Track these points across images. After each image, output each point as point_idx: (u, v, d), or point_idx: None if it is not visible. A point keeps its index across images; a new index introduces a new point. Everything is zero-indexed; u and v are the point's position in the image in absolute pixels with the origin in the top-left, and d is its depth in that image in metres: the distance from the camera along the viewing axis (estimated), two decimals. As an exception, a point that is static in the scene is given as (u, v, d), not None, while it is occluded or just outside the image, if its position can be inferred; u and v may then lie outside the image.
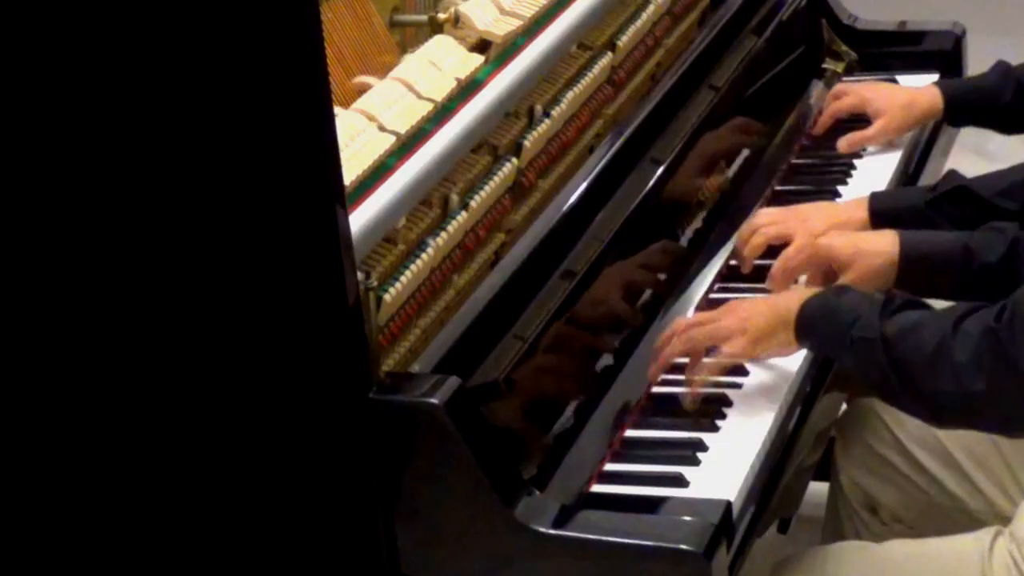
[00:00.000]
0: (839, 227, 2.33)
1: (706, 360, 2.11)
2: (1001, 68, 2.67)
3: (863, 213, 2.36)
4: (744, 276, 2.38)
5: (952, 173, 2.37)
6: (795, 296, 2.10)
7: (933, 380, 1.92)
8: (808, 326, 2.06)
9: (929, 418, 2.03)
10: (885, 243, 2.22)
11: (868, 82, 2.84)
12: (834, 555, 2.10)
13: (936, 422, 2.07)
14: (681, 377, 2.12)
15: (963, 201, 2.30)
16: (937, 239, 2.24)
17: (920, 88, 2.75)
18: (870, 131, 2.70)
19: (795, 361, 2.17)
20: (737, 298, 2.21)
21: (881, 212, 2.36)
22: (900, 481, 2.33)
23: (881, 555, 2.09)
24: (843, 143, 2.70)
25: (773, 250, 2.32)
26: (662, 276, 2.33)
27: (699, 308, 2.32)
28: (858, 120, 2.76)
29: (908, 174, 2.72)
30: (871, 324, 1.97)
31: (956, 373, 1.89)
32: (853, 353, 2.00)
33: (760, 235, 2.34)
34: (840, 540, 2.41)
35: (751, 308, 2.12)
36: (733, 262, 2.42)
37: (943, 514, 2.31)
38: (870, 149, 2.72)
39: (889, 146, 2.72)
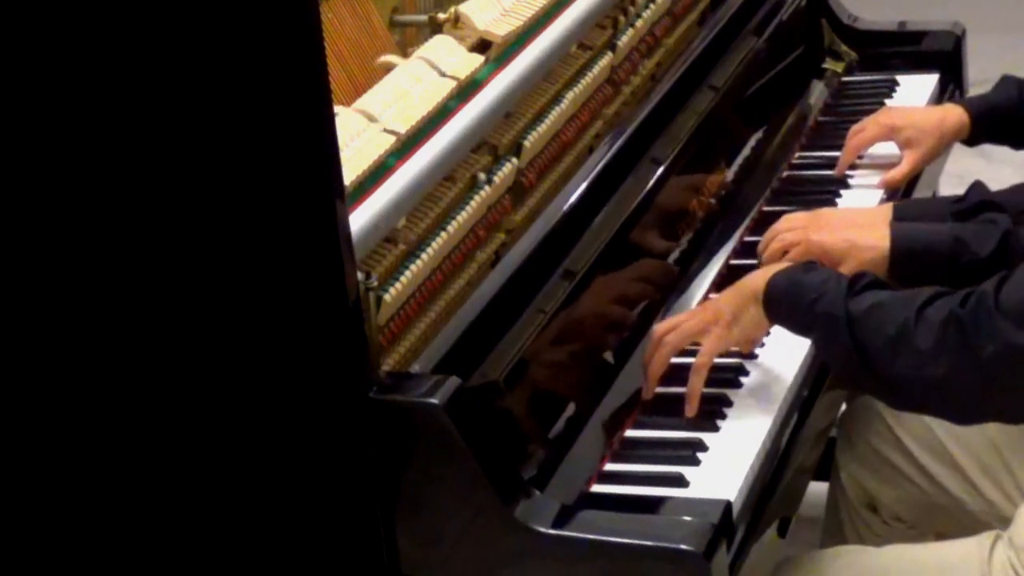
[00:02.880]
0: (862, 235, 2.28)
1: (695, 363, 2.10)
2: (1011, 81, 2.63)
3: (886, 223, 2.31)
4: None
5: (977, 184, 2.35)
6: (761, 273, 2.10)
7: (893, 364, 1.92)
8: (775, 301, 2.06)
9: (888, 400, 2.05)
10: (876, 237, 2.22)
11: (888, 109, 2.74)
12: (833, 559, 2.10)
13: (894, 404, 2.08)
14: (680, 389, 2.12)
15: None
16: (928, 232, 2.23)
17: (944, 108, 2.67)
18: (905, 167, 2.60)
19: (795, 361, 2.17)
20: None
21: (902, 239, 2.30)
22: (900, 480, 2.33)
23: (880, 560, 2.09)
24: (882, 186, 2.60)
25: None
26: (662, 276, 2.33)
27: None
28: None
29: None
30: (836, 301, 1.97)
31: (917, 358, 1.89)
32: (817, 330, 2.01)
33: (779, 240, 2.31)
34: (840, 539, 2.42)
35: (719, 298, 2.13)
36: (734, 262, 2.42)
37: (943, 514, 2.32)
38: (867, 153, 2.68)
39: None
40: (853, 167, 2.66)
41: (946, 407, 1.99)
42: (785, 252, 2.29)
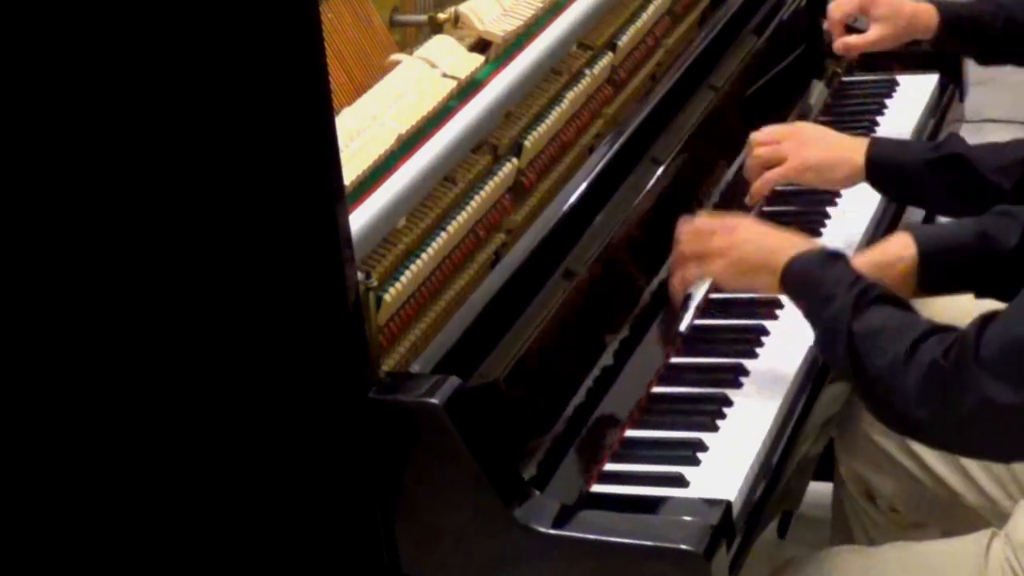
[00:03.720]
0: (832, 161, 2.37)
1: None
2: (992, 1, 2.68)
3: (860, 157, 2.37)
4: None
5: (954, 137, 2.38)
6: (789, 244, 2.09)
7: (884, 394, 1.92)
8: (790, 284, 2.06)
9: (880, 421, 2.04)
10: (900, 246, 2.16)
11: None
12: (831, 558, 2.10)
13: (882, 422, 2.07)
14: (681, 389, 2.13)
15: (959, 169, 2.29)
16: (950, 230, 2.21)
17: (920, 4, 2.73)
18: (869, 35, 2.70)
19: (795, 361, 2.17)
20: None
21: (878, 160, 2.37)
22: (898, 472, 2.33)
23: (877, 558, 2.09)
24: (839, 45, 2.71)
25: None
26: (662, 275, 2.33)
27: (699, 309, 2.32)
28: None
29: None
30: (843, 313, 1.96)
31: (905, 396, 1.88)
32: (819, 332, 2.01)
33: (754, 159, 2.39)
34: (847, 533, 2.42)
35: (746, 236, 2.13)
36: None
37: (941, 506, 2.32)
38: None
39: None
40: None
41: (930, 442, 2.04)
42: (768, 167, 2.36)
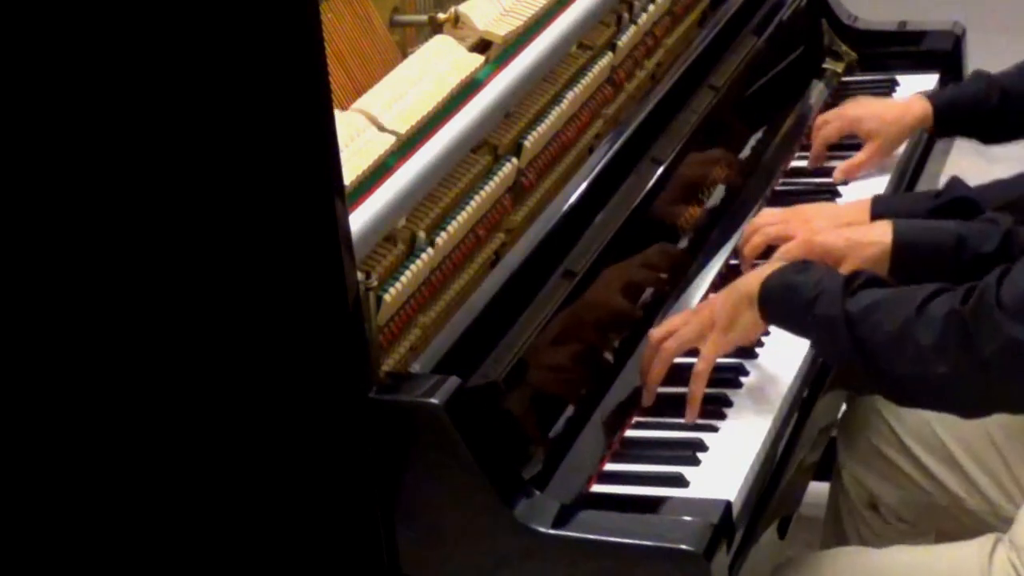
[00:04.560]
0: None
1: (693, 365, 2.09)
2: (983, 76, 2.65)
3: (865, 217, 2.35)
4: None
5: (955, 181, 2.36)
6: (755, 275, 2.08)
7: (896, 362, 1.91)
8: (770, 303, 2.05)
9: (892, 398, 2.03)
10: (878, 233, 2.21)
11: (852, 101, 2.77)
12: (832, 560, 2.10)
13: (899, 402, 2.07)
14: (681, 389, 2.12)
15: (965, 213, 2.29)
16: (931, 229, 2.22)
17: (908, 100, 2.71)
18: (863, 155, 2.64)
19: (795, 361, 2.17)
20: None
21: (883, 217, 2.33)
22: (901, 479, 2.33)
23: (880, 561, 2.09)
24: (838, 174, 2.64)
25: (772, 251, 2.31)
26: (662, 276, 2.33)
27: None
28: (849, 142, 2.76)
29: (907, 176, 2.71)
30: (834, 301, 1.95)
31: (919, 356, 1.88)
32: (816, 330, 2.00)
33: (761, 235, 2.33)
34: (841, 539, 2.42)
35: (713, 301, 2.11)
36: (733, 262, 2.42)
37: (944, 513, 2.32)
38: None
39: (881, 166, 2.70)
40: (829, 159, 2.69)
41: (951, 403, 1.98)
42: (769, 248, 2.30)
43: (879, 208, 2.35)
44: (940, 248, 2.18)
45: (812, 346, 2.08)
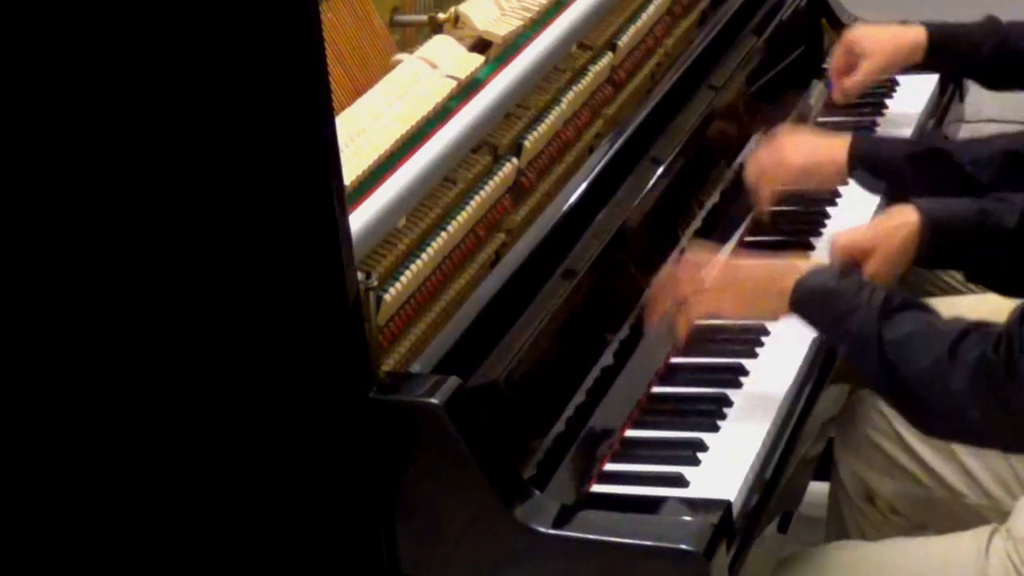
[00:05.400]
0: (816, 164, 2.40)
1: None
2: (990, 22, 2.68)
3: (842, 155, 2.39)
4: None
5: (935, 132, 2.39)
6: (792, 266, 2.08)
7: (927, 399, 1.90)
8: (803, 304, 2.04)
9: (917, 427, 2.03)
10: (904, 215, 2.21)
11: (854, 26, 2.84)
12: (833, 554, 2.10)
13: (920, 430, 2.06)
14: (681, 389, 2.13)
15: (938, 163, 2.30)
16: (951, 204, 2.23)
17: (904, 27, 2.74)
18: (857, 75, 2.71)
19: (795, 361, 2.17)
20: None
21: (860, 157, 2.39)
22: (899, 474, 2.33)
23: (879, 554, 2.09)
24: (837, 95, 2.73)
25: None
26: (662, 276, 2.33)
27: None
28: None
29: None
30: (869, 321, 1.95)
31: (951, 399, 1.87)
32: (848, 345, 1.99)
33: (747, 175, 2.44)
34: (842, 532, 2.42)
35: (746, 268, 2.12)
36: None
37: (942, 507, 2.31)
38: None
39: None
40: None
41: (981, 442, 2.01)
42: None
43: (857, 148, 2.39)
44: (965, 222, 2.19)
45: (840, 353, 2.07)
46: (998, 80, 2.70)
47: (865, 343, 1.94)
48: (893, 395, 1.96)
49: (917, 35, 2.70)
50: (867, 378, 2.01)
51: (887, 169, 2.37)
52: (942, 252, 2.22)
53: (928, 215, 2.20)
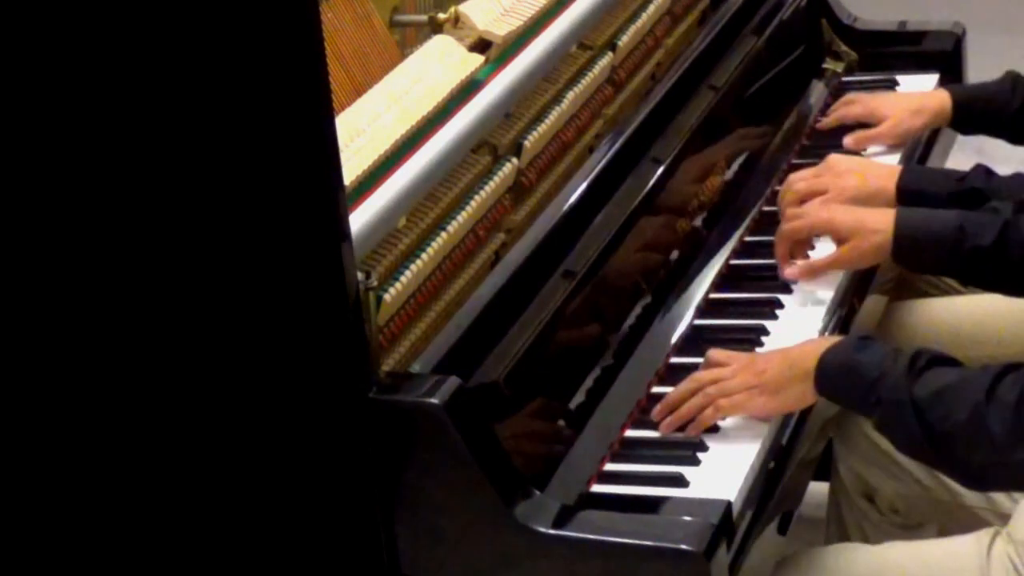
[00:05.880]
0: (868, 192, 2.40)
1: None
2: (1010, 78, 2.67)
3: (891, 184, 2.40)
4: (745, 276, 2.38)
5: (979, 168, 2.39)
6: (811, 348, 2.05)
7: (970, 450, 1.88)
8: (828, 381, 2.01)
9: (967, 484, 2.01)
10: (883, 222, 2.24)
11: (878, 93, 2.82)
12: (833, 556, 2.10)
13: (969, 487, 2.06)
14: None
15: (978, 204, 2.29)
16: (932, 219, 2.25)
17: (929, 92, 2.75)
18: (879, 129, 2.70)
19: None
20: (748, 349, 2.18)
21: (908, 190, 2.40)
22: (900, 474, 2.32)
23: (879, 556, 2.09)
24: (849, 139, 2.71)
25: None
26: (662, 276, 2.33)
27: (699, 308, 2.31)
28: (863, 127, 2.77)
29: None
30: (899, 385, 1.92)
31: (994, 443, 1.85)
32: (880, 414, 1.96)
33: (792, 192, 2.41)
34: (843, 532, 2.42)
35: (765, 361, 2.07)
36: (734, 262, 2.42)
37: (941, 508, 2.31)
38: (871, 150, 2.71)
39: (890, 148, 2.71)
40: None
41: None
42: (802, 202, 2.37)
43: (905, 180, 2.40)
44: (940, 239, 2.21)
45: (874, 426, 2.04)
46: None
47: (898, 408, 1.92)
48: (937, 455, 1.93)
49: (942, 101, 2.69)
50: (907, 444, 1.97)
51: (932, 205, 2.36)
52: (916, 263, 2.26)
53: (903, 229, 2.23)
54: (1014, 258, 2.18)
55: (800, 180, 2.43)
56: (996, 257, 2.18)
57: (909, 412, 1.91)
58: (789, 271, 2.32)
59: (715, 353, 2.12)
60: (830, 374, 2.01)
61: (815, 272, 2.32)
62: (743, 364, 2.08)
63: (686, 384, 2.07)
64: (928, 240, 2.22)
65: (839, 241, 2.28)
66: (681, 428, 2.04)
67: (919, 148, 2.77)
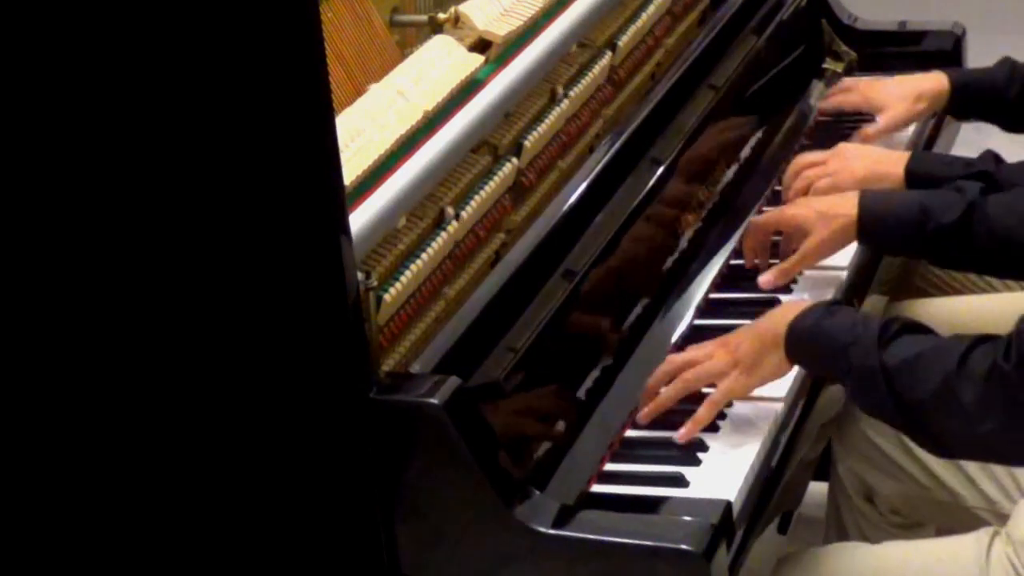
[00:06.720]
0: (877, 176, 2.41)
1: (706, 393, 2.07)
2: (1007, 64, 2.67)
3: (900, 169, 2.41)
4: (745, 276, 2.39)
5: (988, 154, 2.39)
6: (779, 316, 2.05)
7: (939, 419, 1.87)
8: (799, 347, 2.01)
9: (935, 452, 2.00)
10: (846, 206, 2.27)
11: (873, 79, 2.83)
12: (833, 555, 2.10)
13: (938, 455, 2.05)
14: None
15: (991, 188, 2.29)
16: (895, 200, 2.28)
17: (927, 75, 2.75)
18: (878, 125, 2.71)
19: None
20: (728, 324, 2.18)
21: (916, 173, 2.41)
22: (899, 474, 2.33)
23: (879, 556, 2.09)
24: (859, 136, 2.71)
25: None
26: (663, 276, 2.33)
27: (699, 308, 2.32)
28: (862, 117, 2.78)
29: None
30: (869, 352, 1.92)
31: (964, 414, 1.84)
32: (851, 380, 1.96)
33: (803, 179, 2.43)
34: (842, 532, 2.42)
35: (737, 338, 2.07)
36: (734, 262, 2.43)
37: (941, 508, 2.32)
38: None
39: (890, 142, 2.71)
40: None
41: (1000, 456, 1.98)
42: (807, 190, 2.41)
43: (914, 164, 2.42)
44: (903, 220, 2.24)
45: (846, 393, 2.05)
46: (1020, 123, 2.70)
47: (869, 376, 1.91)
48: (906, 422, 1.92)
49: (939, 84, 2.70)
50: (877, 411, 1.97)
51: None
52: (885, 243, 2.29)
53: (866, 210, 2.26)
54: (980, 239, 2.19)
55: (808, 165, 2.45)
56: (960, 235, 2.20)
57: (880, 379, 1.90)
58: (763, 279, 2.31)
59: (688, 349, 2.12)
60: (800, 342, 2.01)
61: (788, 274, 2.32)
62: (717, 343, 2.08)
63: (663, 367, 2.08)
64: (891, 219, 2.25)
65: (805, 234, 2.29)
66: (677, 427, 2.04)
67: (919, 147, 2.77)
